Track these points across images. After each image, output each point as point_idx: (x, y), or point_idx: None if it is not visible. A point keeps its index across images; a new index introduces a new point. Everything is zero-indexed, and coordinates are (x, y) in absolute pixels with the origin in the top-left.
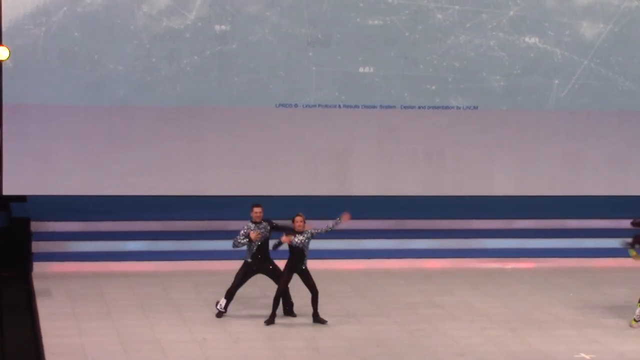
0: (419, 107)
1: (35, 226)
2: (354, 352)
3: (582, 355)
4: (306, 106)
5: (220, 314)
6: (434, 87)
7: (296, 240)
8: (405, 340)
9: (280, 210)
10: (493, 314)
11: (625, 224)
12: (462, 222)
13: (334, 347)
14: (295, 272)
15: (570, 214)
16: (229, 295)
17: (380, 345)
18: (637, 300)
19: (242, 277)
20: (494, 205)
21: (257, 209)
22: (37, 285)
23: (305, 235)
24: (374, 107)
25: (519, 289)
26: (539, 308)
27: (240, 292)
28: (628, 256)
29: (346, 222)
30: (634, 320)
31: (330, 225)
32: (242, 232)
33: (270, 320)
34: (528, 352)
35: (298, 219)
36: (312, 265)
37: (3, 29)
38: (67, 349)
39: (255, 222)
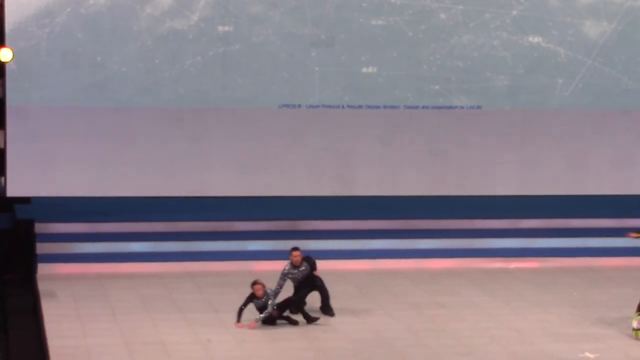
0: (423, 107)
1: (40, 228)
2: (359, 353)
3: (587, 354)
4: (310, 107)
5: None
6: (437, 87)
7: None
8: (410, 340)
9: (284, 211)
10: (497, 313)
11: (630, 223)
12: (467, 222)
13: (338, 347)
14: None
15: (574, 213)
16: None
17: (384, 346)
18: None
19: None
20: (498, 205)
21: (295, 253)
22: (42, 286)
23: (264, 300)
24: (378, 107)
25: (524, 288)
26: (543, 307)
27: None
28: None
29: (352, 224)
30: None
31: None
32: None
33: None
34: (532, 351)
35: (257, 287)
36: (318, 265)
37: (6, 30)
38: (72, 350)
39: (294, 265)
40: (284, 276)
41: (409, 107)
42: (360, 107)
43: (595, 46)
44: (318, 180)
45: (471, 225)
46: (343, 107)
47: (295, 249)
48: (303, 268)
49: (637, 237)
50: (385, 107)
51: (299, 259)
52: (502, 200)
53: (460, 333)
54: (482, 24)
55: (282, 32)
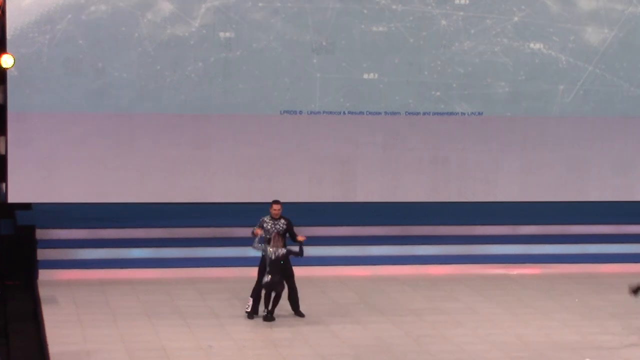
0: (424, 114)
1: (41, 234)
2: (359, 359)
3: None
4: (311, 113)
5: (250, 316)
6: (438, 94)
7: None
8: (411, 346)
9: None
10: (498, 320)
11: (631, 229)
12: (467, 228)
13: (339, 353)
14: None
15: (575, 219)
16: (255, 295)
17: (385, 352)
18: None
19: (259, 274)
20: (498, 211)
21: (275, 206)
22: (43, 292)
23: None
24: (379, 113)
25: (524, 295)
26: (544, 314)
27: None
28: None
29: (353, 231)
30: None
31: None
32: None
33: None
34: (533, 358)
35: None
36: (317, 271)
37: (8, 37)
38: (73, 356)
39: (273, 219)
40: (260, 223)
41: (409, 114)
42: (361, 113)
43: (597, 53)
44: (319, 187)
45: (472, 231)
46: (344, 113)
47: (276, 202)
48: (280, 224)
49: None
50: (386, 113)
51: (278, 212)
52: (503, 207)
53: (460, 339)
54: (483, 31)
55: (284, 39)
